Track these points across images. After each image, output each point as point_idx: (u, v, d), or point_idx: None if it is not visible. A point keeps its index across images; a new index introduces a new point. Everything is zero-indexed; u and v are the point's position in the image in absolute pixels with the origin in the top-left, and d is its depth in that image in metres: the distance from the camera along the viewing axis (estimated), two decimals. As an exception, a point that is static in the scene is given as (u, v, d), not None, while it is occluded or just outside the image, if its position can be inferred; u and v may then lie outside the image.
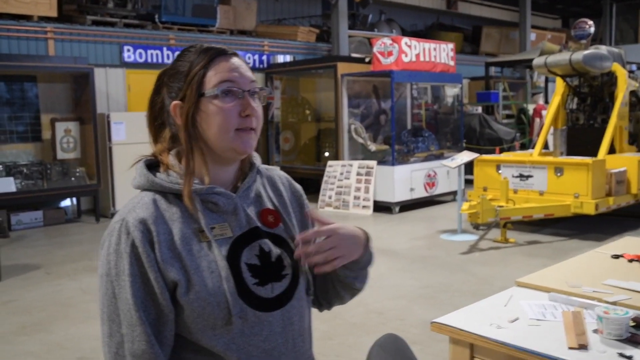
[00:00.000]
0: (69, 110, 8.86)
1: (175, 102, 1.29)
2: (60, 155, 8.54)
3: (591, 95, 7.89)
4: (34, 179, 8.28)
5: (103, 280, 1.23)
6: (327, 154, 10.49)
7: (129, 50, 9.57)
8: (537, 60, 7.62)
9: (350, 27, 13.02)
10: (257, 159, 1.42)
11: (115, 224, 1.25)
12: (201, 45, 1.31)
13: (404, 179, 8.74)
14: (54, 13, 8.79)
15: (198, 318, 1.22)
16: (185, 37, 10.31)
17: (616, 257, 2.58)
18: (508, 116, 14.32)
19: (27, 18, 8.60)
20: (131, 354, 1.19)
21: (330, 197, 9.12)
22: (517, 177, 7.20)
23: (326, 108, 10.65)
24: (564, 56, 7.34)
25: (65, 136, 8.56)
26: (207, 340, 1.23)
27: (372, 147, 9.45)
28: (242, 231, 1.30)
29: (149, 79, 9.78)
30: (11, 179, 7.88)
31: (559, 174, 6.89)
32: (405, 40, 9.02)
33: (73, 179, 8.56)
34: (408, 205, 8.91)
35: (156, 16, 10.11)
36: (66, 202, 8.83)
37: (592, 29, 7.48)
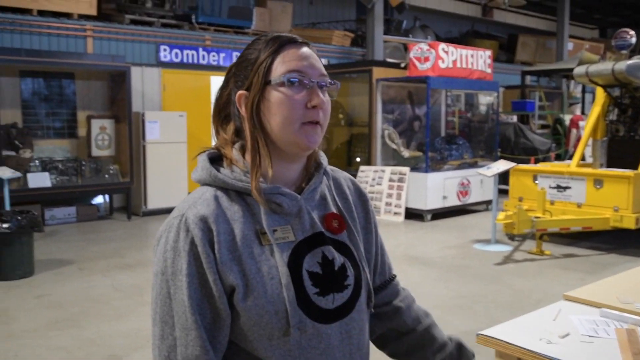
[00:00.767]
0: (104, 108, 8.95)
1: (240, 91, 1.22)
2: (95, 152, 8.62)
3: (632, 107, 7.68)
4: (68, 174, 8.37)
5: (158, 279, 1.16)
6: (359, 159, 10.42)
7: (165, 50, 9.63)
8: (578, 70, 7.45)
9: (385, 33, 12.95)
10: (324, 158, 1.34)
11: (173, 220, 1.17)
12: (272, 33, 1.25)
13: (437, 187, 8.63)
14: (93, 11, 8.89)
15: (254, 326, 1.14)
16: (221, 38, 10.35)
17: (671, 273, 2.46)
18: (543, 126, 14.07)
19: (68, 16, 8.72)
20: (184, 358, 1.12)
21: (361, 203, 9.03)
22: (554, 188, 7.04)
23: (359, 112, 10.59)
24: (606, 66, 7.16)
25: (101, 133, 8.64)
26: (262, 350, 1.16)
27: (406, 153, 9.36)
28: (305, 236, 1.22)
29: (184, 78, 9.91)
30: (46, 174, 7.98)
31: (598, 186, 6.72)
32: (442, 46, 8.92)
33: (106, 176, 8.64)
34: (440, 214, 8.79)
35: (193, 17, 10.17)
36: (99, 199, 8.92)
37: (634, 39, 7.30)
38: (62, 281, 5.39)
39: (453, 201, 8.86)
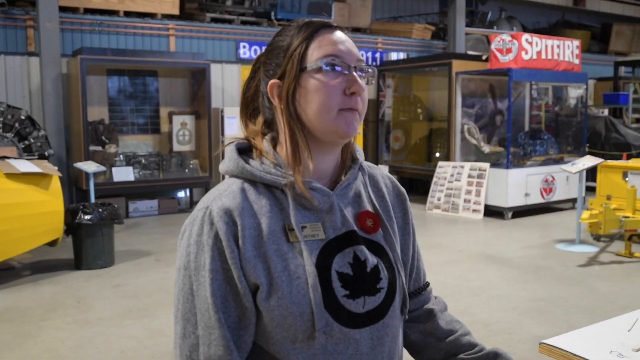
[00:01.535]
0: (185, 104, 9.19)
1: (272, 80, 1.15)
2: (176, 147, 8.88)
3: None
4: (151, 169, 8.67)
5: (180, 274, 1.11)
6: (437, 154, 10.18)
7: (244, 47, 9.78)
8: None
9: (468, 25, 12.58)
10: (360, 153, 1.26)
11: (198, 212, 1.12)
12: (302, 19, 1.18)
13: (519, 183, 8.28)
14: (176, 11, 9.15)
15: (277, 328, 1.08)
16: (299, 34, 10.38)
17: None
18: (638, 120, 13.24)
19: (152, 16, 9.02)
20: (206, 358, 1.07)
21: (439, 199, 8.83)
22: (647, 186, 6.57)
23: (439, 107, 10.34)
24: None
25: (182, 129, 8.89)
26: (285, 353, 1.09)
27: (486, 148, 9.05)
28: (336, 234, 1.14)
29: (263, 75, 9.99)
30: (130, 168, 8.29)
31: (696, 185, 6.22)
32: (525, 36, 8.53)
33: (187, 170, 8.88)
34: (522, 211, 8.44)
35: (272, 13, 10.26)
36: (180, 193, 9.18)
37: None
38: (139, 272, 5.57)
39: (536, 199, 8.48)
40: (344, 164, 1.23)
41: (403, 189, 1.35)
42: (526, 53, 8.46)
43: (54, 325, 4.22)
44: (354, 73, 1.13)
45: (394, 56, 10.89)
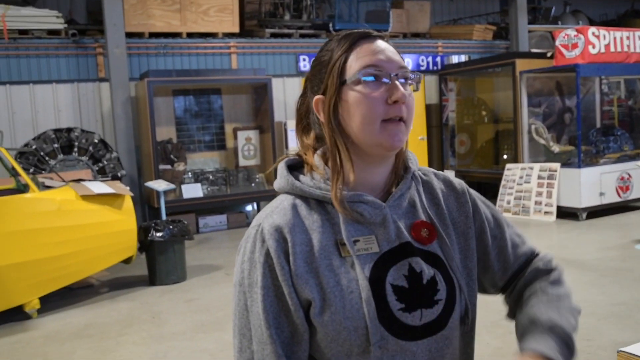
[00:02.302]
0: (249, 120, 9.36)
1: (317, 96, 1.16)
2: (242, 162, 9.05)
3: None
4: (218, 185, 8.86)
5: (236, 290, 1.14)
6: (505, 156, 9.93)
7: (304, 60, 9.88)
8: None
9: (531, 22, 12.26)
10: (412, 161, 1.24)
11: (251, 230, 1.15)
12: (345, 31, 1.18)
13: (592, 183, 7.96)
14: (236, 29, 9.35)
15: (332, 343, 1.08)
16: (358, 43, 10.39)
17: None
18: None
19: (213, 35, 9.25)
20: None
21: (509, 203, 8.61)
22: None
23: (504, 108, 10.10)
24: None
25: (246, 144, 9.05)
26: None
27: (556, 148, 8.76)
28: (391, 247, 1.13)
29: (323, 86, 10.06)
30: (198, 185, 8.51)
31: None
32: (592, 30, 8.23)
33: (253, 184, 9.02)
34: (597, 212, 8.10)
35: (330, 25, 10.33)
36: (247, 207, 9.33)
37: None
38: (210, 286, 5.69)
39: (612, 197, 8.12)
40: (396, 174, 1.21)
41: (463, 187, 1.28)
42: (593, 47, 8.16)
43: (131, 340, 4.36)
44: (395, 81, 1.12)
45: (455, 59, 10.73)
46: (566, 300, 1.25)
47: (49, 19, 8.20)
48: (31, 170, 7.01)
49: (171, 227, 5.77)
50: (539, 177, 8.34)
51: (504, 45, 11.74)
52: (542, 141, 8.85)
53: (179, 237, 5.81)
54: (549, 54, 9.31)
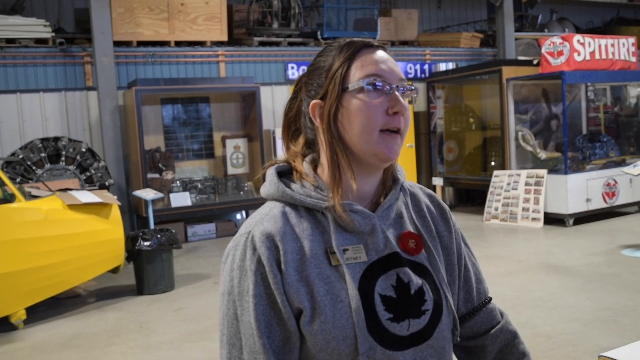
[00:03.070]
0: (238, 128, 9.37)
1: (314, 101, 1.16)
2: (231, 170, 9.04)
3: None
4: (207, 193, 8.85)
5: (224, 299, 1.13)
6: (493, 163, 9.99)
7: (292, 68, 9.91)
8: None
9: (518, 30, 12.37)
10: (401, 173, 1.25)
11: (240, 237, 1.13)
12: (344, 38, 1.19)
13: (579, 189, 8.03)
14: (224, 37, 9.36)
15: (321, 352, 1.08)
16: (346, 51, 10.42)
17: None
18: None
19: (201, 44, 9.26)
20: None
21: (496, 209, 8.65)
22: None
23: (491, 115, 10.17)
24: None
25: (235, 152, 9.05)
26: None
27: (542, 154, 8.83)
28: (379, 256, 1.14)
29: (312, 94, 10.09)
30: (187, 193, 8.49)
31: None
32: (577, 37, 8.32)
33: (242, 193, 9.01)
34: (584, 217, 8.16)
35: (318, 33, 10.37)
36: (236, 215, 9.31)
37: None
38: (198, 295, 5.68)
39: (598, 204, 8.19)
40: (385, 185, 1.22)
41: (446, 206, 1.32)
42: (579, 54, 8.24)
43: (118, 350, 4.34)
44: (396, 92, 1.13)
45: (442, 67, 10.80)
46: None
47: (37, 27, 8.18)
48: (18, 179, 6.98)
49: (159, 236, 5.76)
50: (526, 184, 8.39)
51: (491, 52, 11.83)
52: (529, 148, 8.92)
53: (167, 246, 5.79)
54: (535, 62, 9.39)
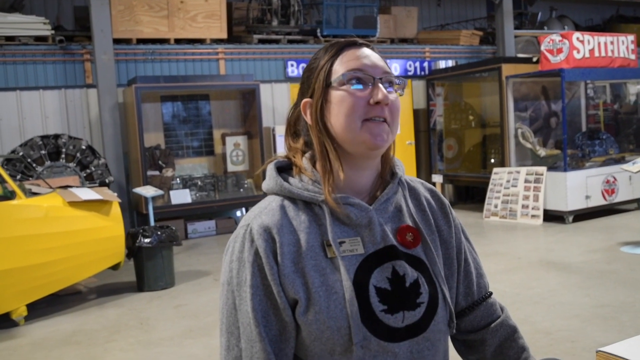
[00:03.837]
0: (237, 125, 9.37)
1: (305, 99, 1.22)
2: (230, 168, 9.05)
3: None
4: (207, 190, 8.86)
5: (224, 289, 1.17)
6: (492, 160, 10.01)
7: (292, 65, 9.91)
8: None
9: (518, 27, 12.36)
10: (399, 167, 1.28)
11: (240, 230, 1.17)
12: (333, 40, 1.25)
13: (578, 186, 8.04)
14: (224, 35, 9.36)
15: (315, 341, 1.11)
16: (346, 48, 10.43)
17: None
18: None
19: (201, 41, 9.26)
20: None
21: (496, 206, 8.67)
22: None
23: (491, 113, 10.18)
24: None
25: (235, 150, 9.06)
26: None
27: (542, 152, 8.84)
28: (375, 249, 1.16)
29: (311, 91, 10.11)
30: (187, 191, 8.50)
31: None
32: (576, 35, 8.32)
33: (242, 190, 9.02)
34: (583, 215, 8.17)
35: (318, 30, 10.37)
36: (236, 212, 9.33)
37: None
38: (199, 292, 5.69)
39: (597, 201, 8.21)
40: (383, 178, 1.25)
41: (446, 201, 1.35)
42: (578, 52, 8.25)
43: (118, 346, 4.36)
44: (378, 84, 1.16)
45: (442, 64, 10.81)
46: None
47: (36, 25, 8.18)
48: (18, 177, 6.98)
49: (159, 233, 5.77)
50: (526, 181, 8.40)
51: (490, 50, 11.84)
52: (528, 145, 8.93)
53: (167, 243, 5.80)
54: (534, 59, 9.40)
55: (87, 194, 5.42)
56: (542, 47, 8.56)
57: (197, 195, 8.75)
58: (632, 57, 8.87)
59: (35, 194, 5.43)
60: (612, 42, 8.63)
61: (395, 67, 10.57)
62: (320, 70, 1.19)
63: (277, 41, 9.93)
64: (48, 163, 7.43)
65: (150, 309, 5.22)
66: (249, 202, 8.97)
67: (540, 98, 9.62)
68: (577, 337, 4.02)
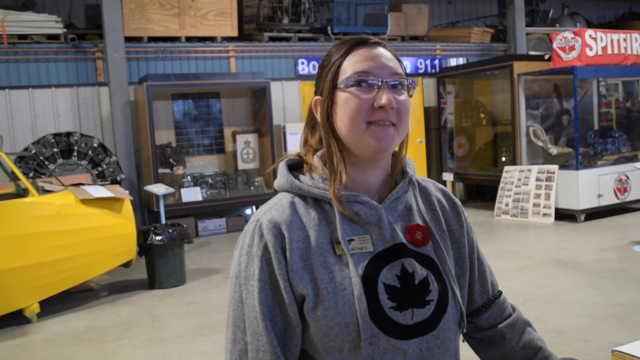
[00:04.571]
0: (248, 123, 9.39)
1: (315, 97, 1.23)
2: (241, 165, 9.07)
3: None
4: (217, 188, 8.88)
5: (232, 283, 1.18)
6: (503, 158, 9.96)
7: (302, 63, 9.91)
8: None
9: (529, 24, 12.30)
10: (410, 167, 1.28)
11: (250, 225, 1.19)
12: (346, 36, 1.25)
13: (590, 184, 7.99)
14: (235, 33, 9.38)
15: (324, 337, 1.11)
16: (356, 46, 10.41)
17: None
18: None
19: (212, 39, 9.28)
20: None
21: (507, 205, 8.63)
22: None
23: (502, 110, 10.13)
24: None
25: (245, 147, 9.07)
26: None
27: (553, 150, 8.79)
28: (385, 247, 1.16)
29: (321, 89, 10.10)
30: (198, 188, 8.53)
31: None
32: (589, 32, 8.26)
33: (252, 188, 9.04)
34: (595, 213, 8.12)
35: (328, 28, 10.35)
36: (247, 210, 9.34)
37: None
38: (209, 289, 5.71)
39: (610, 199, 8.15)
40: (393, 178, 1.25)
41: (458, 201, 1.35)
42: (590, 49, 8.19)
43: (130, 343, 4.38)
44: (386, 88, 1.15)
45: (453, 62, 10.76)
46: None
47: (48, 23, 8.23)
48: (31, 174, 7.03)
49: (170, 230, 5.79)
50: (537, 179, 8.36)
51: (501, 47, 11.78)
52: (540, 143, 8.88)
53: (178, 240, 5.83)
54: (546, 57, 9.34)
55: (99, 191, 5.44)
56: (554, 45, 8.50)
57: (208, 193, 8.77)
58: (645, 54, 8.79)
59: (47, 191, 5.46)
60: (625, 39, 8.56)
61: (406, 65, 10.44)
62: (329, 69, 1.19)
63: (287, 39, 9.93)
64: (60, 161, 7.48)
65: (162, 307, 5.24)
66: (259, 200, 8.98)
67: (552, 96, 9.56)
68: (590, 336, 4.00)
